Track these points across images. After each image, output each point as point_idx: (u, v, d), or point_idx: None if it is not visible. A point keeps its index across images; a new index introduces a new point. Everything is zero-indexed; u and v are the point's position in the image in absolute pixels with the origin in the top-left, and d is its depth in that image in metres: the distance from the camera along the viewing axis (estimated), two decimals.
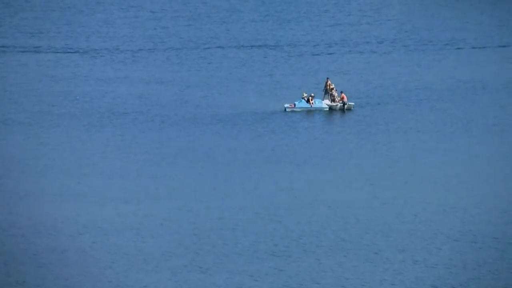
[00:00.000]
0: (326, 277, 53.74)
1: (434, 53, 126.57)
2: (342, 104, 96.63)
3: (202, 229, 65.47)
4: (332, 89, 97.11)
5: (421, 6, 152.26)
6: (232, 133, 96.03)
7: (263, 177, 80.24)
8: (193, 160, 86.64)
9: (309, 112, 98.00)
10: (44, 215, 68.53)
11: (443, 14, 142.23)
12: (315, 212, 68.69)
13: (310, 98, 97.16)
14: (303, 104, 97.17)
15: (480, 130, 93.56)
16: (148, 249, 59.49)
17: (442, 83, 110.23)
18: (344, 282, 52.63)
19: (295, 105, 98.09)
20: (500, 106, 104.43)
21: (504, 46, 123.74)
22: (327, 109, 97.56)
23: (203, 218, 68.23)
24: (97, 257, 57.67)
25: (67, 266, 55.20)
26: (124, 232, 64.32)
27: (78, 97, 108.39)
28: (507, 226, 59.65)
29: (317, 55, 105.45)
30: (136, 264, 56.35)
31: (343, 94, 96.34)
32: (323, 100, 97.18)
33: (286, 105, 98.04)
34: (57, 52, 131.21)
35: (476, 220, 64.25)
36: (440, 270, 52.45)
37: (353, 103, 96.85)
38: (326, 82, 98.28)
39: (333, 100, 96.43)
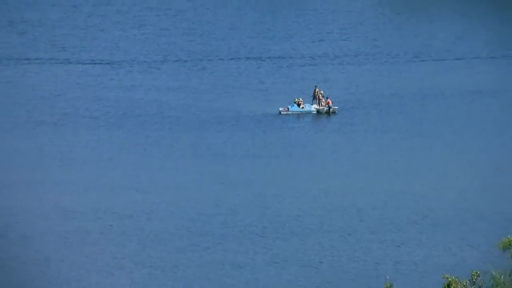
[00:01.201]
0: (308, 253, 64.59)
1: (403, 65, 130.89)
2: (327, 108, 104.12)
3: (204, 213, 76.12)
4: (320, 95, 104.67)
5: (392, 24, 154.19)
6: (233, 132, 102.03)
7: (260, 169, 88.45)
8: (199, 154, 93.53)
9: (300, 114, 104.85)
10: (72, 200, 78.73)
11: (411, 31, 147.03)
12: (300, 199, 78.75)
13: (300, 102, 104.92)
14: (295, 108, 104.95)
15: (442, 131, 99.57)
16: (157, 229, 70.87)
17: (409, 91, 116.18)
18: (323, 258, 63.26)
19: (288, 109, 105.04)
20: (458, 110, 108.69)
21: (460, 59, 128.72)
22: (315, 112, 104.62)
23: (205, 203, 77.93)
24: (114, 235, 70.37)
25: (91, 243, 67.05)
26: (138, 215, 75.55)
27: (104, 102, 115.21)
28: (459, 210, 68.01)
29: (304, 66, 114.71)
30: (147, 242, 67.67)
31: (328, 99, 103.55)
32: (312, 104, 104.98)
33: (280, 109, 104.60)
34: (84, 64, 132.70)
35: (433, 205, 73.28)
36: (403, 248, 62.04)
37: (337, 107, 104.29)
38: (315, 90, 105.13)
39: (320, 105, 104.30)
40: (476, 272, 28.93)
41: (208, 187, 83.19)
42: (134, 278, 61.56)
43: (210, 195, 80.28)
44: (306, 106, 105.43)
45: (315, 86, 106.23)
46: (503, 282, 29.37)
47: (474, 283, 28.86)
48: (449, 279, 29.29)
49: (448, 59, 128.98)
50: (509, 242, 31.24)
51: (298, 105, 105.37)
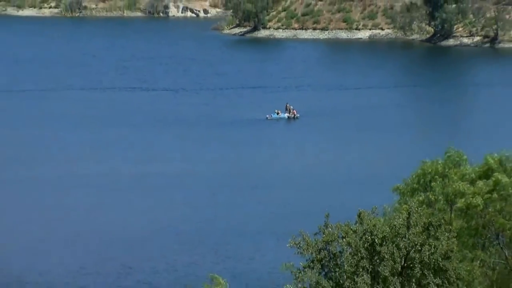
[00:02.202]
0: (267, 202, 77.53)
1: (334, 91, 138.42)
2: (293, 116, 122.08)
3: (207, 176, 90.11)
4: (289, 108, 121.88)
5: (331, 68, 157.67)
6: (235, 130, 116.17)
7: (252, 148, 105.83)
8: (202, 145, 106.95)
9: (278, 119, 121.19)
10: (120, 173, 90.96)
11: (341, 72, 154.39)
12: (275, 166, 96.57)
13: (279, 112, 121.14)
14: (275, 115, 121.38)
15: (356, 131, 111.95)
16: (165, 200, 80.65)
17: (345, 107, 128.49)
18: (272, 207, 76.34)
19: (271, 116, 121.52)
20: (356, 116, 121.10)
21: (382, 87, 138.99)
22: (287, 118, 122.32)
23: (201, 177, 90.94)
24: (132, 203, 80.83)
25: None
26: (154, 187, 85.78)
27: (267, 116, 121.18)
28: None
29: (279, 92, 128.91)
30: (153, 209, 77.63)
31: (294, 110, 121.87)
32: (285, 113, 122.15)
33: (267, 116, 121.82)
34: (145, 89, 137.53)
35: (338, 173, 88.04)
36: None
37: (298, 115, 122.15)
38: (286, 105, 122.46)
39: (289, 113, 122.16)
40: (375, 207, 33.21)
41: (213, 165, 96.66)
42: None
43: (205, 172, 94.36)
44: (282, 114, 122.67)
45: (287, 103, 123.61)
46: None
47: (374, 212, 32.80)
48: (361, 211, 33.08)
49: (362, 87, 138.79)
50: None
51: (277, 113, 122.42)
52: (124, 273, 60.50)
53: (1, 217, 73.81)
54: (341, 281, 31.58)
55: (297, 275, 31.59)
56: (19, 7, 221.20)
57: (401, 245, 31.60)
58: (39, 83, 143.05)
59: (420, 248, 31.60)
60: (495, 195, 33.63)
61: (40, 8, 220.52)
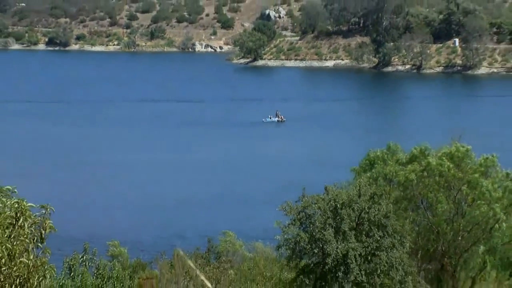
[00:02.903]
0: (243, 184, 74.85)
1: (312, 102, 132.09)
2: (281, 120, 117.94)
3: (210, 160, 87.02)
4: (278, 114, 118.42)
5: (306, 86, 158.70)
6: (238, 129, 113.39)
7: (249, 145, 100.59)
8: (217, 139, 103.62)
9: (271, 122, 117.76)
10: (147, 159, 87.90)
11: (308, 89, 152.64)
12: (266, 155, 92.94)
13: (271, 117, 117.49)
14: (268, 119, 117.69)
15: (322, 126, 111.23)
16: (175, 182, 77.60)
17: (317, 113, 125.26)
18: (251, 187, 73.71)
19: (266, 119, 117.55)
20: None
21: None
22: (276, 121, 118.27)
23: (216, 161, 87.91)
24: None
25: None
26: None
27: (263, 119, 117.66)
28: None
29: (272, 102, 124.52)
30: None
31: (281, 116, 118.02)
32: (275, 118, 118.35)
33: (263, 119, 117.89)
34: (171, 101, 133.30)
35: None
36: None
37: (285, 119, 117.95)
38: (276, 112, 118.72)
39: (278, 118, 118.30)
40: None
41: (225, 153, 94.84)
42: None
43: (226, 156, 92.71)
44: (273, 119, 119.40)
45: (277, 110, 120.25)
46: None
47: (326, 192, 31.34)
48: (327, 185, 32.37)
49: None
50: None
51: (270, 118, 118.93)
52: (162, 228, 59.60)
53: (79, 189, 72.83)
54: (313, 233, 31.59)
55: (283, 230, 31.39)
56: (93, 44, 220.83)
57: (355, 209, 31.51)
58: (104, 96, 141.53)
59: (368, 211, 31.57)
60: (425, 173, 33.34)
61: (107, 45, 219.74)
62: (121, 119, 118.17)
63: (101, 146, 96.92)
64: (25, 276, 10.65)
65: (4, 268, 10.43)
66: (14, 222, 10.96)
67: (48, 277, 11.36)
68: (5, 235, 10.58)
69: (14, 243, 10.64)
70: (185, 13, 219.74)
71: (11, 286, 10.50)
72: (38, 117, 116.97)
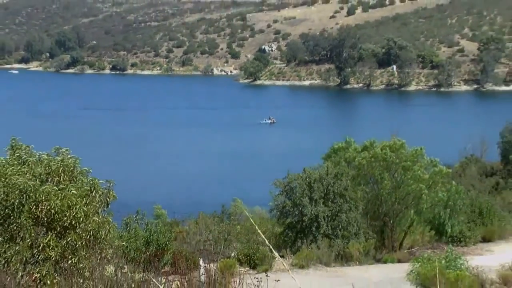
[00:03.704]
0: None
1: (294, 108, 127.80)
2: (272, 122, 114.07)
3: (213, 151, 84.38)
4: (271, 117, 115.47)
5: (291, 100, 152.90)
6: (242, 129, 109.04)
7: (249, 139, 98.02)
8: (225, 135, 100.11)
9: (265, 123, 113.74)
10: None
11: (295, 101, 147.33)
12: (257, 145, 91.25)
13: (265, 120, 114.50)
14: (263, 121, 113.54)
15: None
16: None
17: (298, 117, 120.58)
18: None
19: (261, 122, 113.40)
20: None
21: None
22: (269, 123, 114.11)
23: (224, 150, 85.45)
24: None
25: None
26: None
27: (260, 121, 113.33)
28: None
29: (266, 109, 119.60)
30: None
31: (273, 119, 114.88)
32: (268, 120, 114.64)
33: (260, 121, 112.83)
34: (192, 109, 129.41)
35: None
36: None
37: (275, 121, 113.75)
38: (270, 116, 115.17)
39: (271, 120, 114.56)
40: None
41: (231, 145, 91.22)
42: None
43: (232, 147, 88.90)
44: (267, 121, 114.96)
45: (270, 115, 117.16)
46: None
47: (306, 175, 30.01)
48: (305, 167, 31.55)
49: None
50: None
51: (265, 120, 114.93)
52: (190, 197, 58.31)
53: (134, 169, 72.90)
54: (295, 200, 31.84)
55: (274, 198, 32.12)
56: (142, 70, 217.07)
57: (323, 183, 31.69)
58: (150, 104, 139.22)
59: (332, 185, 31.78)
60: (373, 159, 32.87)
61: (152, 70, 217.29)
62: (161, 121, 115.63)
63: (148, 139, 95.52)
64: (96, 229, 10.76)
65: (82, 224, 10.51)
66: (89, 193, 11.14)
67: (111, 231, 11.54)
68: (83, 202, 10.66)
69: (89, 207, 10.75)
70: (206, 48, 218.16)
71: (87, 237, 10.55)
72: (106, 119, 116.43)
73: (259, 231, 3.45)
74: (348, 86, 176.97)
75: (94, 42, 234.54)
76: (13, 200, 9.73)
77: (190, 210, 39.32)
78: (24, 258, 9.62)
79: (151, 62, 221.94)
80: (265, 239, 3.54)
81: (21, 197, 9.80)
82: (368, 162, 33.56)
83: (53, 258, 9.85)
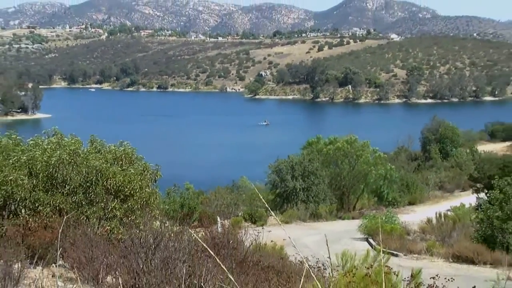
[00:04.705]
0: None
1: (281, 115, 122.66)
2: (267, 124, 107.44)
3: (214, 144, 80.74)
4: (266, 121, 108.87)
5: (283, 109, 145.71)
6: (244, 128, 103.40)
7: (249, 136, 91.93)
8: (231, 133, 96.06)
9: (262, 125, 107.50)
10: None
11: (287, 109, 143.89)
12: (252, 140, 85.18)
13: (262, 122, 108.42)
14: (260, 123, 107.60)
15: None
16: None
17: (287, 120, 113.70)
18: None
19: (259, 123, 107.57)
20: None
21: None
22: (265, 125, 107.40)
23: (231, 143, 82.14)
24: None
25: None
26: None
27: (258, 123, 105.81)
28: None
29: (263, 115, 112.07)
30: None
31: (267, 121, 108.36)
32: (264, 122, 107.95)
33: (258, 123, 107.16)
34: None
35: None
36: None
37: (269, 123, 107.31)
38: (265, 119, 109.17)
39: (266, 122, 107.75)
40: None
41: (235, 140, 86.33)
42: None
43: (236, 142, 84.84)
44: (263, 123, 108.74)
45: (265, 119, 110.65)
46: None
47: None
48: (289, 155, 29.29)
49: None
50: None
51: (262, 122, 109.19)
52: (210, 174, 55.43)
53: (173, 155, 68.69)
54: (282, 177, 31.49)
55: (268, 175, 32.05)
56: (178, 88, 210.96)
57: (301, 165, 31.28)
58: (183, 111, 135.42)
59: (308, 166, 31.21)
60: (336, 150, 32.07)
61: (185, 88, 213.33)
62: (190, 123, 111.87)
63: (182, 135, 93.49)
64: (147, 197, 10.48)
65: (137, 193, 10.22)
66: (142, 173, 10.92)
67: (157, 198, 11.19)
68: (138, 178, 10.41)
69: (142, 182, 10.48)
70: (222, 73, 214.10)
71: (141, 202, 10.27)
72: (154, 122, 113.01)
73: (261, 197, 3.45)
74: (319, 100, 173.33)
75: (146, 69, 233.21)
76: (91, 177, 9.74)
77: (210, 184, 38.07)
78: (99, 216, 9.59)
79: (184, 83, 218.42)
80: (265, 202, 3.57)
81: (97, 175, 9.78)
82: (333, 152, 33.36)
83: (118, 216, 9.82)
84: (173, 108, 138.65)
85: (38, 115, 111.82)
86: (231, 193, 30.48)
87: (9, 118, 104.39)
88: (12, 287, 4.06)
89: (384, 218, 21.68)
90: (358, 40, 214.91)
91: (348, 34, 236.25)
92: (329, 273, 5.80)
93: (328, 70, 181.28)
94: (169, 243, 5.30)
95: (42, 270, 5.47)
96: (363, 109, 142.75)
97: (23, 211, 8.24)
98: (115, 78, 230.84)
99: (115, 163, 10.60)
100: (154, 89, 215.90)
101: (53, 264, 5.63)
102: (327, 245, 3.96)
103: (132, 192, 9.99)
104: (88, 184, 9.71)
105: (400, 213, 26.68)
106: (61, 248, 5.55)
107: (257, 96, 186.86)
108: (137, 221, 9.58)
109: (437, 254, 16.21)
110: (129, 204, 10.00)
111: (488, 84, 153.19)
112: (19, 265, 4.46)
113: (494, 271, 12.41)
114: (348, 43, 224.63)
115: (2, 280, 4.13)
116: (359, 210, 30.21)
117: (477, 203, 25.03)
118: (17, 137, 9.83)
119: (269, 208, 3.75)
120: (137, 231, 6.67)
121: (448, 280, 4.47)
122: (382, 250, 12.21)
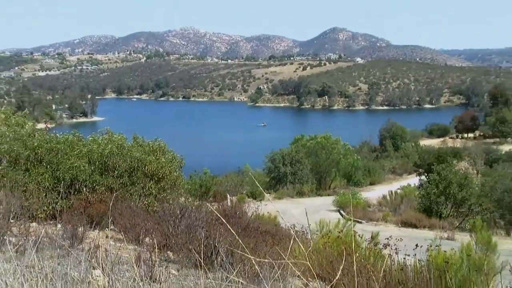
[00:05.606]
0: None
1: (275, 118, 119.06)
2: (264, 125, 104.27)
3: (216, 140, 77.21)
4: (263, 122, 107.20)
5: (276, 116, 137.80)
6: (245, 129, 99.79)
7: (249, 135, 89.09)
8: (236, 132, 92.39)
9: (261, 126, 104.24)
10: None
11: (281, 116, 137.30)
12: (249, 138, 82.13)
13: (262, 123, 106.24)
14: (259, 125, 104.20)
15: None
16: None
17: (280, 122, 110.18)
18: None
19: (258, 125, 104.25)
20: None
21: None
22: (263, 126, 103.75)
23: (235, 140, 79.47)
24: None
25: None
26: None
27: (258, 125, 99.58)
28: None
29: (261, 118, 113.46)
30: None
31: (264, 123, 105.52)
32: (262, 124, 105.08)
33: (258, 124, 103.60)
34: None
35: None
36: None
37: (266, 125, 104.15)
38: (263, 122, 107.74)
39: (263, 124, 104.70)
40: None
41: (238, 138, 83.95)
42: None
43: (238, 139, 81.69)
44: (261, 125, 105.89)
45: (263, 122, 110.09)
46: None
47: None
48: (282, 148, 28.05)
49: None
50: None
51: (261, 124, 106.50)
52: (220, 163, 49.56)
53: (195, 146, 66.09)
54: (275, 165, 31.15)
55: (265, 164, 31.61)
56: (197, 98, 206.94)
57: (290, 155, 31.18)
58: (199, 116, 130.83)
59: (295, 156, 30.98)
60: (316, 144, 30.90)
61: (203, 98, 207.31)
62: (207, 124, 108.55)
63: (201, 133, 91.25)
64: (175, 179, 10.14)
65: (167, 176, 9.77)
66: (171, 161, 10.57)
67: (182, 180, 10.74)
68: (168, 165, 10.05)
69: (171, 168, 10.12)
70: (230, 87, 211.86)
71: (170, 183, 9.96)
72: (181, 124, 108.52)
73: (256, 182, 3.38)
74: (303, 107, 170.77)
75: (174, 84, 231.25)
76: (134, 164, 9.51)
77: (222, 169, 36.79)
78: (139, 193, 9.34)
79: (202, 94, 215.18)
80: (259, 185, 3.61)
81: (138, 163, 9.54)
82: (313, 145, 33.21)
83: (154, 194, 9.53)
84: (194, 113, 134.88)
85: (95, 118, 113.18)
86: (238, 176, 30.18)
87: (74, 120, 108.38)
88: (77, 244, 4.48)
89: (351, 195, 21.88)
90: (332, 62, 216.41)
91: (325, 58, 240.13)
92: (310, 236, 6.01)
93: (310, 84, 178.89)
94: (191, 213, 5.41)
95: (99, 232, 5.73)
96: (336, 114, 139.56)
97: (84, 189, 8.36)
98: (151, 90, 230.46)
99: (151, 154, 10.36)
100: (180, 99, 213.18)
101: (106, 228, 5.86)
102: (306, 216, 4.14)
103: (163, 175, 9.79)
104: (131, 169, 9.60)
105: (363, 191, 26.58)
106: (112, 217, 5.95)
107: (257, 104, 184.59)
108: (168, 197, 9.49)
109: (390, 221, 16.64)
110: (161, 184, 9.80)
111: (427, 95, 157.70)
112: (82, 229, 4.78)
113: (431, 232, 13.14)
114: (325, 64, 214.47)
115: (71, 239, 4.55)
116: (333, 189, 29.93)
117: (419, 183, 25.62)
118: (80, 135, 9.85)
119: (262, 189, 3.77)
120: (167, 205, 6.76)
121: (398, 240, 4.58)
122: (350, 219, 12.78)
